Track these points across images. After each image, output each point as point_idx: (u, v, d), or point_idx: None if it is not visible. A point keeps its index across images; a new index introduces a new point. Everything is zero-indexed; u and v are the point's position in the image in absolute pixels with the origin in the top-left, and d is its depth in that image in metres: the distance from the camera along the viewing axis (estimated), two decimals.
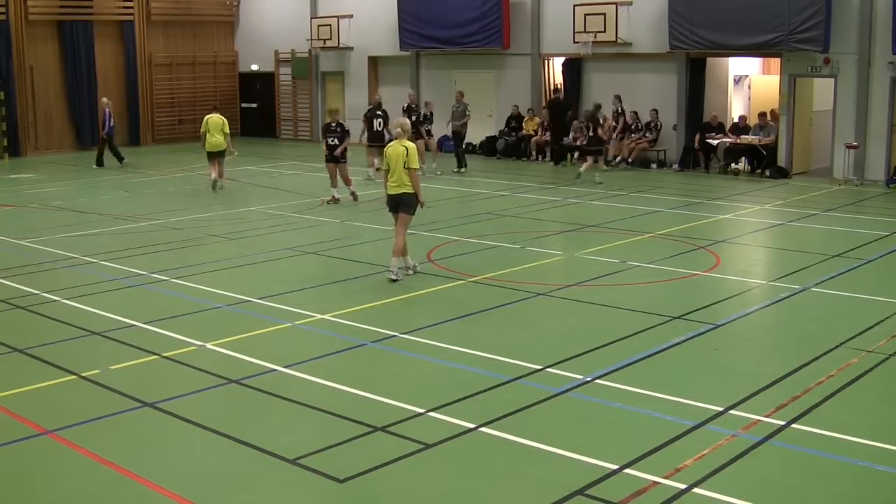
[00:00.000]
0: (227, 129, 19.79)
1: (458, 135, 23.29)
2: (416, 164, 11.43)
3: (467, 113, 23.26)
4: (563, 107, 24.34)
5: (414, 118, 20.99)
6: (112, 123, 24.53)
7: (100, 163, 24.48)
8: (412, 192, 11.44)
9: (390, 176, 11.51)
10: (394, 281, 11.35)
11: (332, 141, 17.62)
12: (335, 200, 17.73)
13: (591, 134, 20.77)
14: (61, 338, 9.35)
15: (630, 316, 9.91)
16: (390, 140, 21.21)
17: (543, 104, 25.27)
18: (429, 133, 22.24)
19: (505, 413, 7.19)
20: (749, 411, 7.18)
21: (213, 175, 19.49)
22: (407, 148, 11.40)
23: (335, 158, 17.65)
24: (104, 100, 25.14)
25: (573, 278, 11.70)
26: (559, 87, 25.10)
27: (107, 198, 19.34)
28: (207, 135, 19.64)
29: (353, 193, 17.87)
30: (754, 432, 6.79)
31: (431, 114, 22.45)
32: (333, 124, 17.79)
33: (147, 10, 30.22)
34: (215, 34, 32.58)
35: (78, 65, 28.57)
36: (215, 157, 19.64)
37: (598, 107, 21.21)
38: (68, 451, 6.66)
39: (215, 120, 19.75)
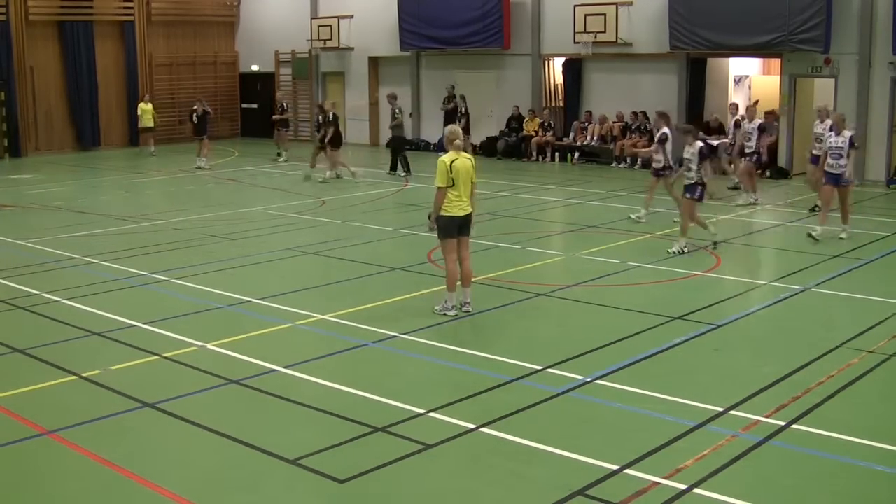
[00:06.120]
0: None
1: (394, 138, 22.24)
2: (475, 179, 10.11)
3: (397, 115, 21.96)
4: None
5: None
6: None
7: None
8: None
9: (460, 194, 9.83)
10: (453, 316, 9.96)
11: None
12: None
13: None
14: (62, 338, 9.35)
15: (630, 316, 9.91)
16: (333, 143, 20.98)
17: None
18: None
19: (505, 413, 7.18)
20: (749, 411, 7.18)
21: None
22: (472, 161, 10.06)
23: None
24: None
25: (574, 279, 11.70)
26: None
27: (107, 198, 19.37)
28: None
29: None
30: (755, 432, 6.79)
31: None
32: None
33: (147, 11, 30.23)
34: (216, 34, 32.58)
35: (78, 65, 28.59)
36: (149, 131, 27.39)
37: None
38: (68, 451, 6.66)
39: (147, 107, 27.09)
